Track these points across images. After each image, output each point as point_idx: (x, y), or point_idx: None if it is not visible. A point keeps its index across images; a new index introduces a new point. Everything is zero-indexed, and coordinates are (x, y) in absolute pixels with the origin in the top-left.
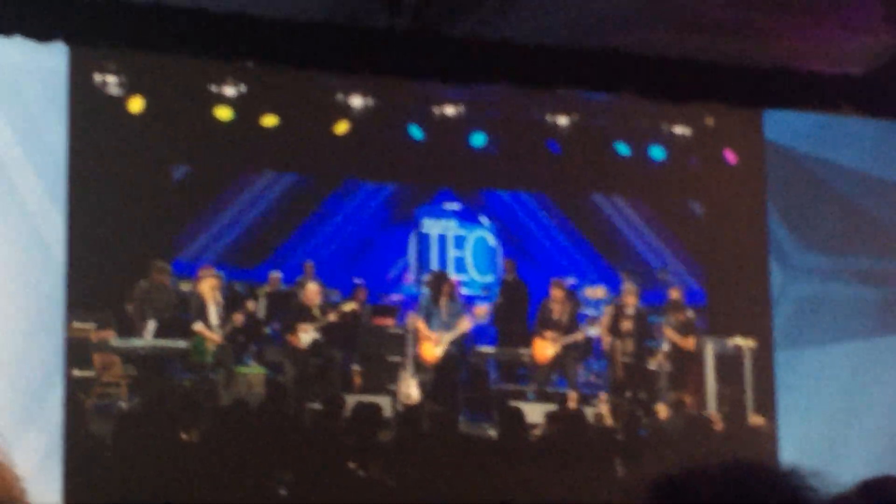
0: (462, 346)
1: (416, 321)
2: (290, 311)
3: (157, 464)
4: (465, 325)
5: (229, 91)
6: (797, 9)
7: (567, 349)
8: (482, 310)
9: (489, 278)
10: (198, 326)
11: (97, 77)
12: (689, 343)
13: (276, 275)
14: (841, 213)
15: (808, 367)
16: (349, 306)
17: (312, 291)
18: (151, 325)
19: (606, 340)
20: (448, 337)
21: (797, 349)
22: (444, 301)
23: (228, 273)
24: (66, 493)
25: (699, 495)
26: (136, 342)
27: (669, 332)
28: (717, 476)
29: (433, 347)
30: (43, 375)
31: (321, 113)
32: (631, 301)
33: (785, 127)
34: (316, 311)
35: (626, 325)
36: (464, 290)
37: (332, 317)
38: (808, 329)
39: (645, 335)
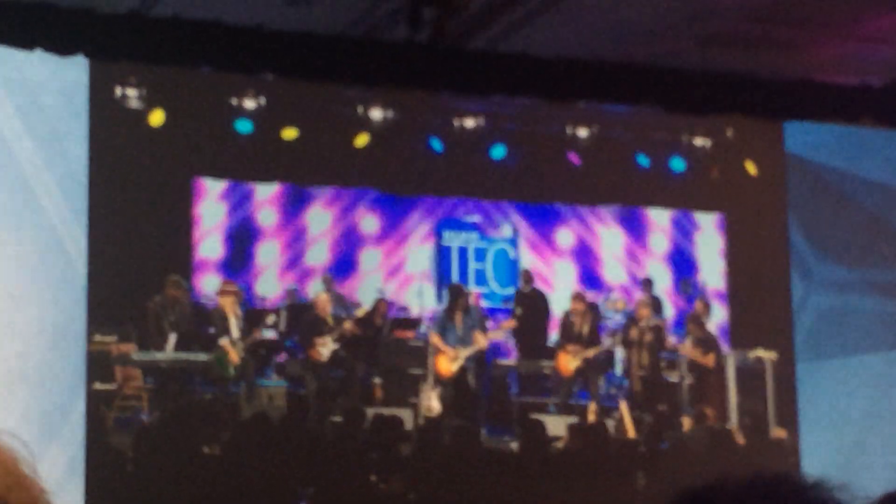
0: (482, 360)
1: (434, 335)
2: (306, 323)
3: (179, 477)
4: (481, 342)
5: (249, 104)
6: (817, 21)
7: (588, 362)
8: (510, 323)
9: (510, 290)
10: (223, 341)
11: (118, 90)
12: (708, 360)
13: (292, 287)
14: (862, 224)
15: (830, 380)
16: (362, 311)
17: (323, 301)
18: (172, 339)
19: (624, 353)
20: (464, 353)
21: (819, 361)
22: (459, 315)
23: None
24: None
25: None
26: (158, 355)
27: (688, 349)
28: (741, 489)
29: (449, 362)
30: (65, 389)
31: (341, 125)
32: (645, 313)
33: (805, 138)
34: (330, 320)
35: (641, 337)
36: (485, 303)
37: (346, 325)
38: (829, 341)
39: (661, 347)
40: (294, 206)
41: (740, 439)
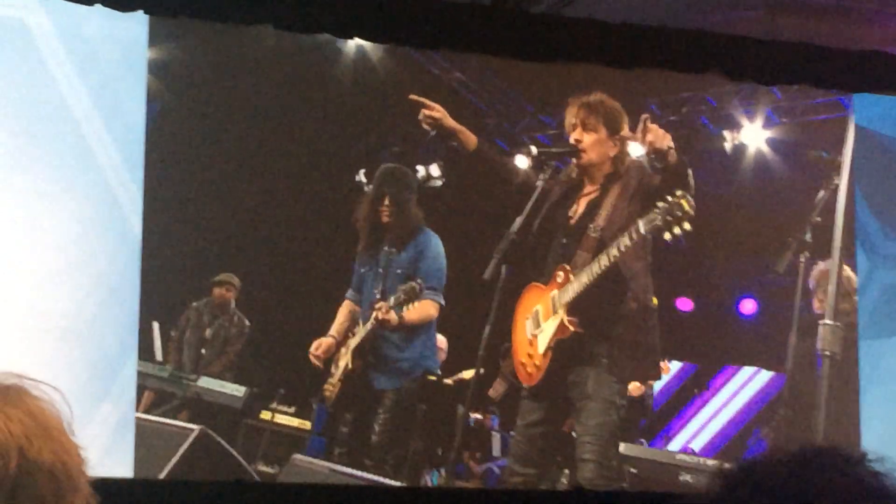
0: None
1: None
2: None
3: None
4: None
5: None
6: None
7: None
8: None
9: None
10: None
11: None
12: None
13: None
14: None
15: (893, 357)
16: None
17: None
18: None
19: None
20: None
21: (882, 338)
22: None
23: None
24: (137, 464)
25: (770, 480)
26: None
27: None
28: (788, 461)
29: None
30: (117, 348)
31: None
32: None
33: (875, 111)
34: None
35: None
36: None
37: None
38: (893, 318)
39: None
40: None
41: None
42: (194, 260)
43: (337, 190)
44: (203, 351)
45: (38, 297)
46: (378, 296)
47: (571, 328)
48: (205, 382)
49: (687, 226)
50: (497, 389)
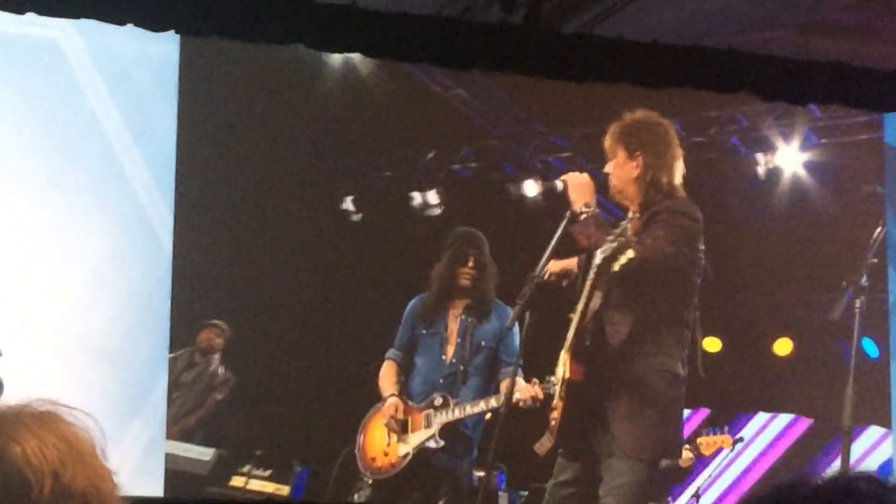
0: None
1: None
2: None
3: None
4: None
5: None
6: None
7: None
8: None
9: None
10: None
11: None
12: None
13: None
14: None
15: None
16: None
17: None
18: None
19: None
20: None
21: None
22: None
23: None
24: (168, 483)
25: None
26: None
27: None
28: (824, 487)
29: None
30: (147, 366)
31: None
32: None
33: None
34: None
35: None
36: None
37: None
38: None
39: None
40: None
41: None
42: (225, 277)
43: (327, 224)
44: (175, 396)
45: (69, 315)
46: (460, 366)
47: (569, 375)
48: (165, 447)
49: (630, 253)
50: (544, 444)
